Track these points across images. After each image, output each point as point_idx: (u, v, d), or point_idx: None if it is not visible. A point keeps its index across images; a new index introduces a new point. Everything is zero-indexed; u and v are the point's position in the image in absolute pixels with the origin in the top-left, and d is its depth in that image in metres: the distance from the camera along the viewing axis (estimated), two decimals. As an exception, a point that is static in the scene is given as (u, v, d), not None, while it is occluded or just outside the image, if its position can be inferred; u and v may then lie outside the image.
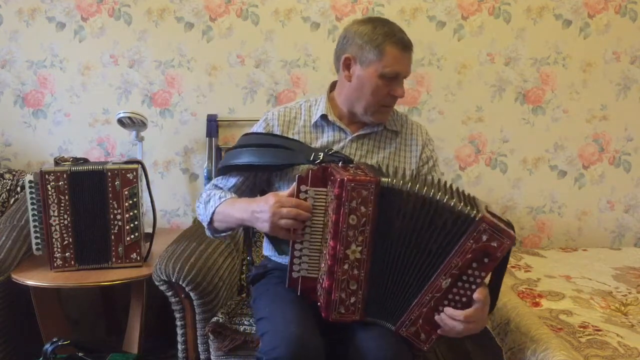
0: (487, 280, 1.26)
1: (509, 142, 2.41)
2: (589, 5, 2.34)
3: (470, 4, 2.32)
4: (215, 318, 1.65)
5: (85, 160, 1.92)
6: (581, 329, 1.52)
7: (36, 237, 1.84)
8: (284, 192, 1.32)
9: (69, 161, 1.88)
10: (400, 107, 2.36)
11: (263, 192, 1.53)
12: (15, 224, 2.01)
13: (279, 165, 1.46)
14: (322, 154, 1.40)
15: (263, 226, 1.30)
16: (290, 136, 1.52)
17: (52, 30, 2.32)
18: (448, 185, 1.31)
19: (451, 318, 1.22)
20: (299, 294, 1.35)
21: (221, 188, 1.53)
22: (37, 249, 1.85)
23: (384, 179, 1.24)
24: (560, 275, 1.96)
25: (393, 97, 1.46)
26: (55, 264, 1.83)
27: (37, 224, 1.83)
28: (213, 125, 2.32)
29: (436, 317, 1.24)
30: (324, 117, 1.52)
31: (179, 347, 1.75)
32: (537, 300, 1.74)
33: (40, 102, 2.37)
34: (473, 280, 1.21)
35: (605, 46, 2.36)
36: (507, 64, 2.36)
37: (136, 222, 1.86)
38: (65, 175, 1.81)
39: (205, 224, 1.49)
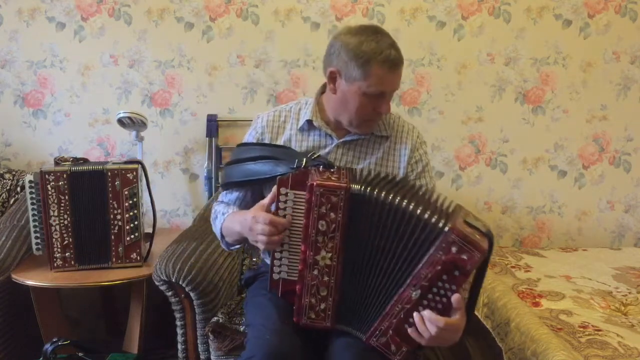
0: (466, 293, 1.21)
1: (509, 142, 2.41)
2: (589, 5, 2.34)
3: (470, 4, 2.32)
4: (215, 318, 1.65)
5: (85, 160, 1.93)
6: (581, 329, 1.52)
7: (36, 237, 1.84)
8: (265, 200, 1.31)
9: (69, 161, 1.88)
10: (400, 107, 2.37)
11: None
12: (15, 224, 2.01)
13: (267, 177, 1.45)
14: (305, 159, 1.39)
15: (251, 240, 1.34)
16: (280, 142, 1.52)
17: (52, 30, 2.32)
18: (428, 193, 1.27)
19: (430, 322, 1.15)
20: (279, 295, 1.33)
21: (227, 203, 1.56)
22: (37, 249, 1.85)
23: (355, 186, 1.22)
24: (560, 275, 1.96)
25: (378, 113, 1.43)
26: (55, 264, 1.83)
27: (37, 224, 1.83)
28: (213, 125, 2.32)
29: (414, 316, 1.18)
30: (309, 121, 1.50)
31: (179, 347, 1.75)
32: (537, 300, 1.74)
33: (40, 102, 2.37)
34: (444, 293, 1.16)
35: (605, 46, 2.36)
36: (507, 64, 2.36)
37: (136, 222, 1.86)
38: (65, 175, 1.81)
39: (220, 240, 1.55)
